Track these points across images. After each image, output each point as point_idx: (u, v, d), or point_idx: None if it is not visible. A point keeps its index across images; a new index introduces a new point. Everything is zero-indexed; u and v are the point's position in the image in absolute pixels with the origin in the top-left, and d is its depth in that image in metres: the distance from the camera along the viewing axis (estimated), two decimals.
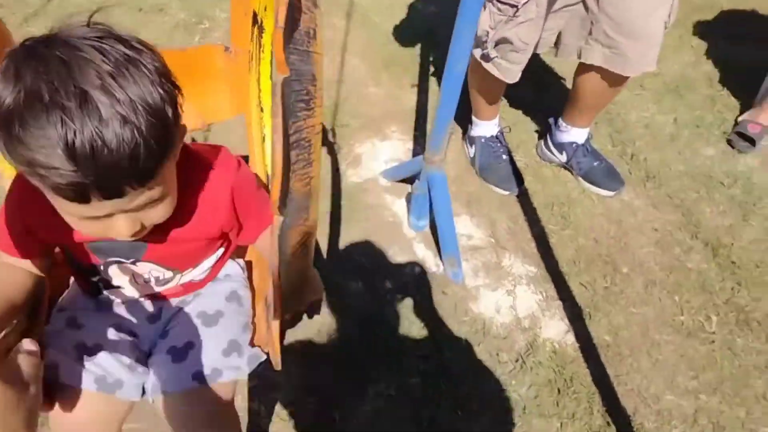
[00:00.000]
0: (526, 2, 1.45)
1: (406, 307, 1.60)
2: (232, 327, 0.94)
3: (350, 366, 1.46)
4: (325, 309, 1.56)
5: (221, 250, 0.96)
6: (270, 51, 0.93)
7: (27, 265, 0.84)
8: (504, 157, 1.94)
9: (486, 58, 1.62)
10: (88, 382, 0.84)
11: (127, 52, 0.60)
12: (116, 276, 0.89)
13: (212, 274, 0.98)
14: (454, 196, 1.90)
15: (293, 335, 1.50)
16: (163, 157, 0.64)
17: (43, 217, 0.73)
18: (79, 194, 0.60)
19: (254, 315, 0.98)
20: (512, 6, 1.48)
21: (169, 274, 0.91)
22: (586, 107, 1.85)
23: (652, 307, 1.63)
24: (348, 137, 2.08)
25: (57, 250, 0.90)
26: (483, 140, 1.95)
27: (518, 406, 1.41)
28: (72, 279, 0.98)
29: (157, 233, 0.78)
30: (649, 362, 1.51)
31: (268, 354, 0.91)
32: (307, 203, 0.68)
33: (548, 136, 1.99)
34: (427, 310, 1.59)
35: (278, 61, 0.56)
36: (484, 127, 1.94)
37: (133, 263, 0.86)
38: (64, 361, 0.85)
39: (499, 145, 1.95)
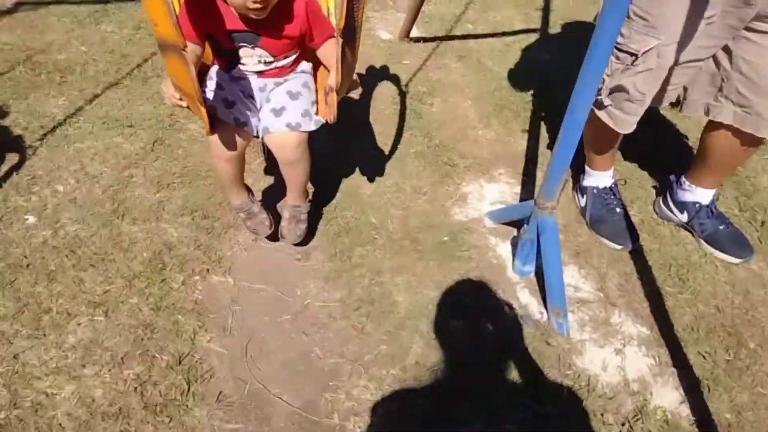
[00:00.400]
0: (646, 51, 1.41)
1: (505, 352, 1.54)
2: (305, 102, 1.52)
3: (445, 405, 1.42)
4: (422, 343, 1.53)
5: (299, 52, 1.54)
6: None
7: (196, 47, 1.39)
8: (617, 210, 1.85)
9: (599, 105, 1.58)
10: (230, 119, 1.46)
11: None
12: (244, 55, 1.47)
13: (293, 65, 1.56)
14: (561, 245, 1.83)
15: (388, 377, 1.48)
16: None
17: (208, 12, 1.37)
18: None
19: (317, 97, 1.57)
20: (631, 54, 1.45)
21: (270, 58, 1.48)
22: (714, 168, 1.75)
23: None
24: (455, 176, 2.08)
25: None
26: (596, 191, 1.88)
27: None
28: (214, 63, 1.55)
29: (267, 27, 1.39)
30: None
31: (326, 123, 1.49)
32: (357, 32, 1.34)
33: (668, 194, 1.89)
34: (528, 358, 1.52)
35: None
36: (597, 178, 1.88)
37: (253, 48, 1.44)
38: (217, 106, 1.45)
39: (612, 197, 1.87)
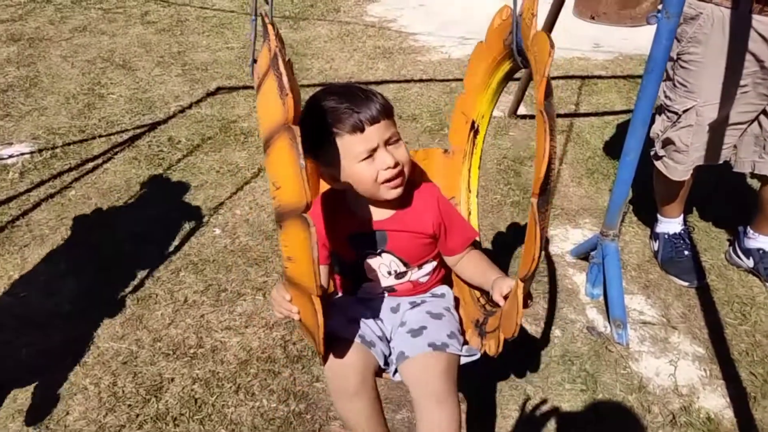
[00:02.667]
0: (686, 110, 1.77)
1: (570, 351, 1.84)
2: (451, 325, 1.27)
3: (515, 383, 1.75)
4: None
5: (435, 263, 1.33)
6: (481, 146, 1.46)
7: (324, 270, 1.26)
8: (686, 252, 2.11)
9: (656, 156, 1.94)
10: (354, 336, 1.19)
11: (366, 88, 1.19)
12: (369, 268, 1.29)
13: (431, 280, 1.35)
14: (633, 280, 2.12)
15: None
16: (391, 109, 1.18)
17: (328, 223, 1.24)
18: (357, 123, 1.11)
19: (462, 324, 1.33)
20: (675, 113, 1.82)
21: (402, 267, 1.29)
22: None
23: None
24: None
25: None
26: (666, 236, 2.15)
27: None
28: (334, 291, 1.42)
29: (393, 223, 1.24)
30: None
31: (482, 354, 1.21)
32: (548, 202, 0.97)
33: (736, 242, 2.11)
34: (588, 358, 1.81)
35: (538, 101, 0.89)
36: (667, 225, 2.16)
37: (380, 254, 1.27)
38: (339, 325, 1.21)
39: (682, 242, 2.13)
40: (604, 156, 2.90)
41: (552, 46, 0.90)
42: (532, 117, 3.30)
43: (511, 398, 1.71)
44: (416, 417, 1.19)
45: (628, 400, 1.68)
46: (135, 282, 2.18)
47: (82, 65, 3.93)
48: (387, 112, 1.17)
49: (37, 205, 2.60)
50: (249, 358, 1.86)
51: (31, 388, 1.77)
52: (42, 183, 2.75)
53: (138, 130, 3.23)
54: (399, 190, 1.20)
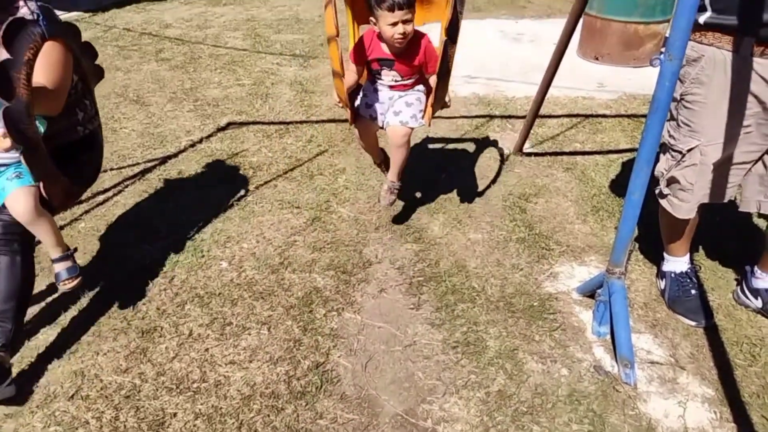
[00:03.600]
0: (690, 149, 1.79)
1: (576, 390, 1.81)
2: (415, 110, 2.36)
3: (518, 423, 1.72)
4: (505, 377, 1.87)
5: (417, 76, 2.40)
6: None
7: (357, 69, 2.42)
8: (693, 291, 2.09)
9: (661, 195, 1.95)
10: (367, 115, 2.42)
11: None
12: (384, 75, 2.38)
13: (413, 85, 2.41)
14: (640, 318, 2.10)
15: (474, 398, 1.83)
16: (414, 5, 2.20)
17: (369, 48, 2.34)
18: (391, 7, 2.13)
19: (425, 108, 2.39)
20: (680, 152, 1.83)
21: (399, 78, 2.37)
22: None
23: None
24: (550, 258, 2.46)
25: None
26: (673, 275, 2.15)
27: None
28: (365, 80, 2.52)
29: (400, 57, 2.31)
30: None
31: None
32: (449, 70, 2.22)
33: (744, 282, 2.10)
34: (596, 398, 1.78)
35: None
36: (673, 263, 2.15)
37: (390, 70, 2.34)
38: (361, 108, 2.44)
39: (689, 281, 2.12)
40: (609, 194, 2.91)
41: None
42: (537, 155, 3.34)
43: None
44: (390, 154, 2.52)
45: None
46: (140, 315, 2.18)
47: (97, 100, 4.02)
48: (411, 4, 2.16)
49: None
50: (252, 394, 1.85)
51: (33, 421, 1.76)
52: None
53: (149, 164, 3.28)
54: (402, 46, 2.26)
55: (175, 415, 1.78)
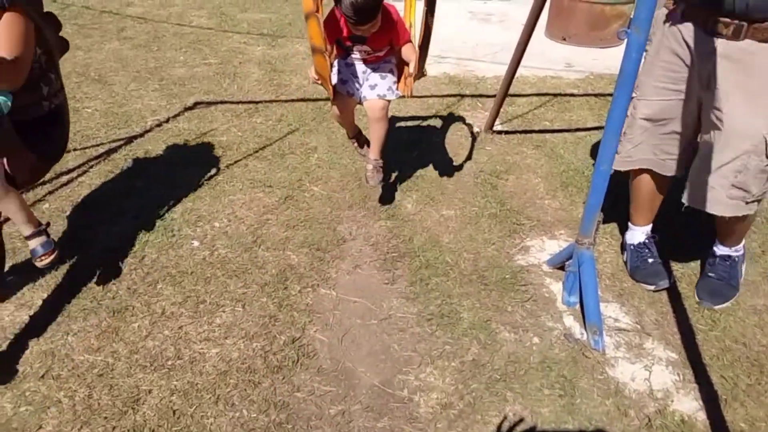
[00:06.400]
0: (630, 101, 1.82)
1: (549, 359, 1.87)
2: (389, 82, 2.35)
3: (493, 389, 1.77)
4: (479, 347, 1.91)
5: (388, 48, 2.32)
6: None
7: (329, 47, 2.28)
8: (650, 260, 2.18)
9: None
10: (344, 91, 2.37)
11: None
12: (356, 50, 2.30)
13: (384, 56, 2.35)
14: (608, 288, 2.17)
15: (449, 368, 1.87)
16: (377, 9, 2.07)
17: (337, 27, 2.23)
18: (358, 21, 2.05)
19: (398, 78, 2.41)
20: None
21: (371, 51, 2.29)
22: (724, 230, 2.06)
23: None
24: (520, 232, 2.50)
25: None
26: (632, 247, 2.22)
27: None
28: (337, 57, 2.40)
29: (371, 34, 2.19)
30: None
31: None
32: (428, 39, 2.24)
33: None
34: (566, 364, 1.84)
35: None
36: (633, 234, 2.23)
37: (362, 44, 2.25)
38: (338, 84, 2.35)
39: (647, 251, 2.20)
40: (577, 170, 2.97)
41: None
42: (508, 132, 3.38)
43: (491, 404, 1.72)
44: (369, 129, 2.47)
45: (605, 405, 1.71)
46: (111, 294, 2.14)
47: None
48: (371, 17, 2.08)
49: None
50: (229, 369, 1.85)
51: (2, 402, 1.72)
52: None
53: (114, 144, 3.20)
54: (368, 35, 2.20)
55: (150, 391, 1.76)
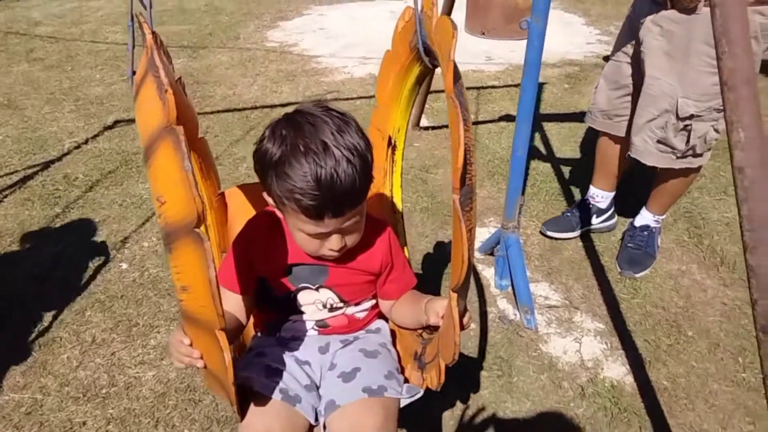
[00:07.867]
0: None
1: (484, 340, 1.92)
2: (388, 363, 1.13)
3: None
4: None
5: (375, 300, 1.22)
6: (400, 163, 1.40)
7: (239, 300, 1.10)
8: (567, 214, 2.38)
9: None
10: (274, 393, 1.02)
11: (341, 118, 0.99)
12: (304, 300, 1.14)
13: (368, 317, 1.22)
14: (536, 269, 2.26)
15: None
16: (367, 187, 0.98)
17: (264, 249, 1.07)
18: (317, 213, 0.93)
19: (399, 361, 1.19)
20: None
21: (339, 303, 1.15)
22: (659, 192, 2.21)
23: (714, 364, 1.79)
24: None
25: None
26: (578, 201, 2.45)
27: (573, 423, 1.63)
28: (253, 331, 1.26)
29: (340, 259, 1.07)
30: (705, 406, 1.66)
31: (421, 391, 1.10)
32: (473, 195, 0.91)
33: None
34: (502, 345, 1.90)
35: (447, 88, 0.86)
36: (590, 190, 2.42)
37: (317, 289, 1.12)
38: (255, 378, 1.03)
39: (569, 215, 2.39)
40: (502, 158, 3.07)
41: (454, 27, 0.84)
42: (434, 128, 3.45)
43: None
44: None
45: (541, 380, 1.78)
46: (37, 327, 2.04)
47: None
48: (359, 199, 0.98)
49: None
50: (167, 391, 1.80)
51: None
52: None
53: (29, 170, 3.05)
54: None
55: (84, 423, 1.70)
